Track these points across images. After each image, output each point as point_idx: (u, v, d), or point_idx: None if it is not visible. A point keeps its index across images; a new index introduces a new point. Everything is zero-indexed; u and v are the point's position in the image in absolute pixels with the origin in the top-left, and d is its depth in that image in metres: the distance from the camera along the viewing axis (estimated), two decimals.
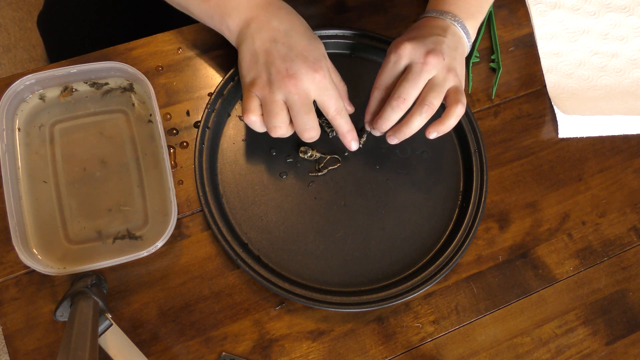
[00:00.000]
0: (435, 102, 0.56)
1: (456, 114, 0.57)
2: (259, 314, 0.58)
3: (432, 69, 0.55)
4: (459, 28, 0.59)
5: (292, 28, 0.56)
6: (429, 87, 0.56)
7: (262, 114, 0.56)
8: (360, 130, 0.63)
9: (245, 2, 0.56)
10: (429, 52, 0.55)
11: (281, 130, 0.56)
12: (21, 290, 0.56)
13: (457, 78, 0.57)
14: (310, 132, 0.56)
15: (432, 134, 0.58)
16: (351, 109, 0.61)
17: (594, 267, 0.64)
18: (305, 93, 0.54)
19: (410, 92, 0.55)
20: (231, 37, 0.58)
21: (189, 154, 0.62)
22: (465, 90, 0.69)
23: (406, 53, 0.56)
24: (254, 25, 0.56)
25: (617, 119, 0.69)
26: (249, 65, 0.56)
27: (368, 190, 0.63)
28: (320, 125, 0.61)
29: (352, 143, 0.59)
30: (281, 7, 0.58)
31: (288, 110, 0.55)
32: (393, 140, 0.59)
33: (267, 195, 0.61)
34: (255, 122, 0.56)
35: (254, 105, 0.55)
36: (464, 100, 0.57)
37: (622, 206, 0.67)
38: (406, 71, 0.56)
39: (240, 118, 0.63)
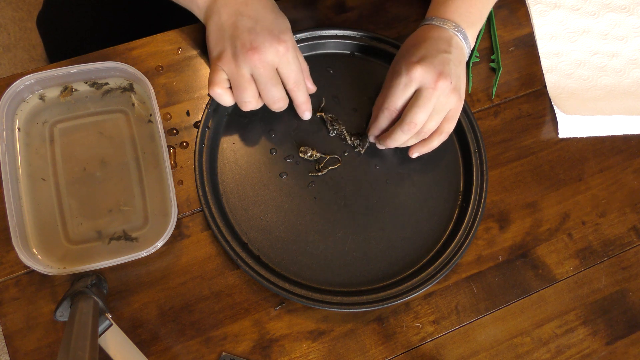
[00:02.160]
0: (436, 124, 0.59)
1: (440, 139, 0.61)
2: (259, 314, 0.58)
3: (441, 94, 0.57)
4: (461, 39, 0.60)
5: (258, 2, 0.57)
6: (435, 111, 0.58)
7: (229, 87, 0.57)
8: (361, 136, 0.64)
9: None
10: (439, 77, 0.56)
11: (251, 104, 0.58)
12: (21, 290, 0.56)
13: (460, 99, 0.59)
14: (278, 103, 0.59)
15: (415, 154, 0.62)
16: (312, 88, 0.63)
17: (594, 267, 0.64)
18: (270, 65, 0.55)
19: (421, 118, 0.57)
20: (200, 14, 0.59)
21: (189, 154, 0.62)
22: (465, 90, 0.69)
23: (417, 77, 0.56)
24: (221, 1, 0.57)
25: (617, 119, 0.69)
26: (216, 39, 0.57)
27: (368, 190, 0.63)
28: (322, 121, 0.62)
29: (306, 113, 0.62)
30: None
31: (256, 84, 0.57)
32: (390, 145, 0.62)
33: (267, 195, 0.61)
34: (221, 94, 0.57)
35: (220, 78, 0.56)
36: (452, 127, 0.60)
37: (622, 206, 0.67)
38: (417, 95, 0.57)
39: (209, 95, 0.63)
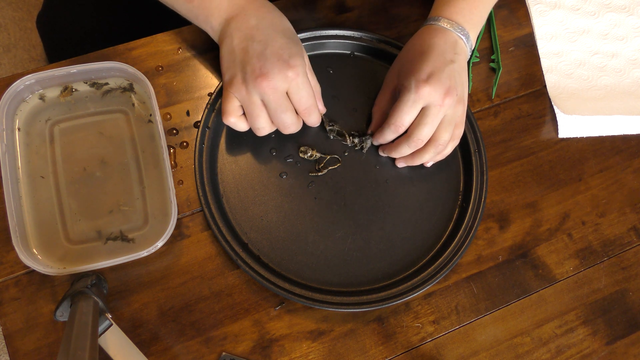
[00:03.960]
0: (447, 138, 0.59)
1: (453, 145, 0.62)
2: (259, 314, 0.58)
3: (448, 109, 0.57)
4: (465, 42, 0.60)
5: (270, 26, 0.57)
6: (442, 125, 0.58)
7: (243, 114, 0.57)
8: (362, 136, 0.64)
9: (227, 1, 0.57)
10: (446, 94, 0.56)
11: (265, 130, 0.58)
12: (21, 290, 0.55)
13: (464, 104, 0.60)
14: (290, 129, 0.58)
15: (401, 164, 0.63)
16: (323, 109, 0.62)
17: (594, 267, 0.64)
18: (279, 92, 0.55)
19: (428, 135, 0.58)
20: (215, 36, 0.59)
21: (189, 154, 0.62)
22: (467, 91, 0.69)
23: (425, 96, 0.56)
24: (234, 24, 0.56)
25: (617, 119, 0.69)
26: (227, 64, 0.57)
27: (368, 190, 0.63)
28: (322, 122, 0.62)
29: (315, 125, 0.62)
30: (262, 5, 0.58)
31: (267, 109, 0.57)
32: (401, 164, 0.63)
33: (267, 195, 0.61)
34: (235, 123, 0.58)
35: (232, 106, 0.57)
36: (462, 131, 0.61)
37: (622, 206, 0.67)
38: (424, 113, 0.58)
39: (209, 95, 0.63)
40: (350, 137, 0.64)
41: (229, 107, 0.57)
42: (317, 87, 0.61)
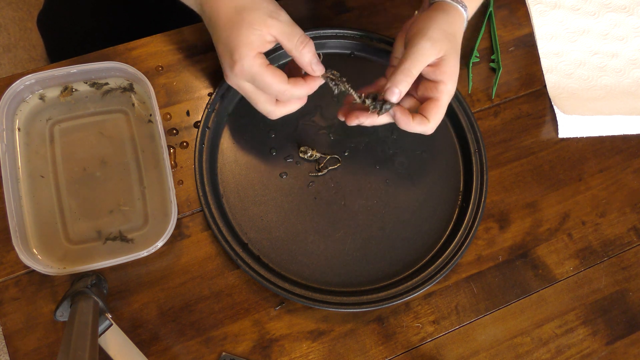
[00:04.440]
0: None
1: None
2: (259, 314, 0.58)
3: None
4: (466, 17, 0.59)
5: (215, 16, 0.54)
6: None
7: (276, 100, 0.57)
8: (375, 99, 0.56)
9: None
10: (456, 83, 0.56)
11: (274, 112, 0.57)
12: (21, 290, 0.55)
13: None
14: (271, 117, 0.57)
15: (354, 122, 0.57)
16: (319, 70, 0.55)
17: (594, 267, 0.64)
18: (240, 87, 0.55)
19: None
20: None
21: (189, 154, 0.62)
22: (465, 90, 0.69)
23: (443, 46, 0.55)
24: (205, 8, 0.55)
25: (617, 119, 0.69)
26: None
27: (368, 190, 0.63)
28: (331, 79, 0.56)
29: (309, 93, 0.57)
30: None
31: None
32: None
33: (267, 195, 0.61)
34: (277, 112, 0.57)
35: (261, 102, 0.56)
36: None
37: (622, 206, 0.67)
38: (441, 100, 0.56)
39: (209, 95, 0.63)
40: (361, 96, 0.56)
41: (260, 107, 0.57)
42: (306, 49, 0.54)
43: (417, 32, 0.55)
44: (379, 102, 0.55)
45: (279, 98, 0.56)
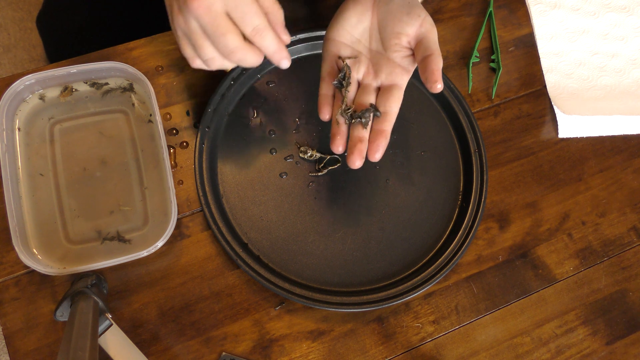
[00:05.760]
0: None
1: None
2: (259, 314, 0.58)
3: None
4: None
5: None
6: None
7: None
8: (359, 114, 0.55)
9: None
10: None
11: (215, 61, 0.50)
12: (21, 290, 0.56)
13: None
14: (237, 54, 0.48)
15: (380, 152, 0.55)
16: (287, 39, 0.51)
17: (594, 267, 0.64)
18: (213, 11, 0.46)
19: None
20: None
21: (189, 154, 0.62)
22: (465, 90, 0.69)
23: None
24: None
25: (617, 119, 0.69)
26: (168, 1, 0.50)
27: (368, 190, 0.63)
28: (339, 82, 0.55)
29: (282, 61, 0.51)
30: None
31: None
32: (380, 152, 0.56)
33: (267, 195, 0.61)
34: (201, 65, 0.51)
35: (190, 49, 0.50)
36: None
37: (622, 206, 0.67)
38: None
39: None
40: (347, 110, 0.55)
41: (187, 52, 0.50)
42: (275, 11, 0.50)
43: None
44: (358, 114, 0.54)
45: (254, 33, 0.48)
